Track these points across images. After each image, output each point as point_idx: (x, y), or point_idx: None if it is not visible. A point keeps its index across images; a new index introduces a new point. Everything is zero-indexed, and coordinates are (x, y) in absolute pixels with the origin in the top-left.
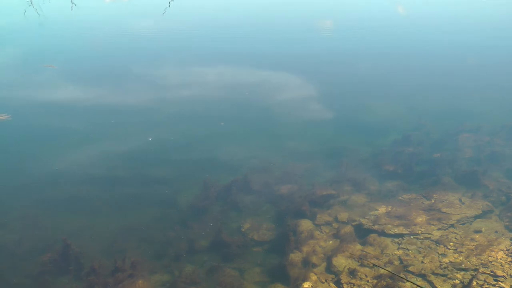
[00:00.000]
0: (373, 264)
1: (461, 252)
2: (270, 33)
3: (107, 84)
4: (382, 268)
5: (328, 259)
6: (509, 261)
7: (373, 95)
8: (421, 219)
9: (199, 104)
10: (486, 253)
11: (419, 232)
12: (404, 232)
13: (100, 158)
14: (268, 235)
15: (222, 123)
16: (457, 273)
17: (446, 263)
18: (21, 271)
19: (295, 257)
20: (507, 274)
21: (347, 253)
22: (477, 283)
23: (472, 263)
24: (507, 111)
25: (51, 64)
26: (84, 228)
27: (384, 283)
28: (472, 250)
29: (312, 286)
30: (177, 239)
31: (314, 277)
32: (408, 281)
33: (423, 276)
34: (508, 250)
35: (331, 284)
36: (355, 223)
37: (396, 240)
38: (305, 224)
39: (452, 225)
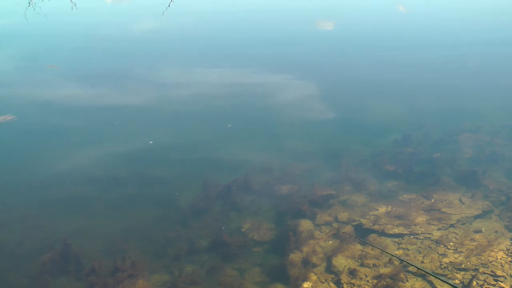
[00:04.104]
0: (416, 266)
1: (461, 252)
2: (270, 33)
3: (109, 84)
4: (419, 268)
5: (328, 259)
6: (509, 261)
7: (373, 95)
8: (421, 219)
9: (199, 104)
10: (486, 253)
11: (419, 232)
12: (404, 232)
13: (101, 158)
14: (268, 235)
15: (229, 125)
16: (457, 273)
17: (446, 263)
18: (21, 271)
19: (295, 257)
20: (507, 274)
21: (347, 253)
22: (477, 283)
23: (472, 263)
24: (507, 111)
25: (53, 64)
26: (84, 228)
27: (384, 283)
28: (472, 250)
29: (312, 286)
30: (177, 239)
31: (314, 277)
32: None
33: (423, 276)
34: (508, 250)
35: (331, 284)
36: (355, 223)
37: (396, 240)
38: (305, 224)
39: (452, 225)
